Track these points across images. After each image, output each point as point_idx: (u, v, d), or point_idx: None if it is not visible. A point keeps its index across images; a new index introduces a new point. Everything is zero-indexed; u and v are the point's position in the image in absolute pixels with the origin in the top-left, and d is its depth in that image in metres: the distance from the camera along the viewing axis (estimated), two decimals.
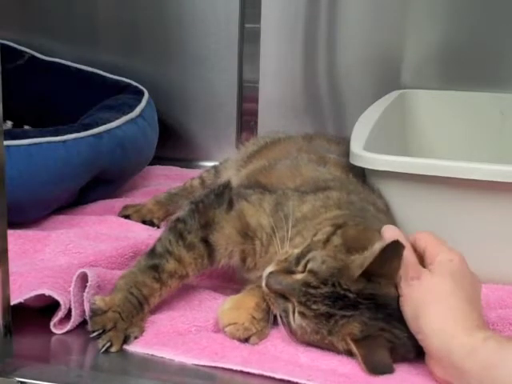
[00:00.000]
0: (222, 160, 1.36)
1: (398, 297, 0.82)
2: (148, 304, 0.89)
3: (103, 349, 0.83)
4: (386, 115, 1.27)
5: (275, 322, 0.88)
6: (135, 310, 0.87)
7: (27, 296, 0.87)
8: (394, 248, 0.81)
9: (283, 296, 0.85)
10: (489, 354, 0.73)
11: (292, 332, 0.85)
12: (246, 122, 1.61)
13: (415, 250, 0.85)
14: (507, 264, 1.02)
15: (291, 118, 1.55)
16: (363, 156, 1.02)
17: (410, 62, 1.51)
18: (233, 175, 1.22)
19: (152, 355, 0.84)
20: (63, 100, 1.55)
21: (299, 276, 0.84)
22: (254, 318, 0.87)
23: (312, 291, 0.82)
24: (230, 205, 0.97)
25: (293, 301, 0.84)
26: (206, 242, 0.94)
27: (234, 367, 0.80)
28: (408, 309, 0.81)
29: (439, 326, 0.77)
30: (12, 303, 0.81)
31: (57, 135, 1.18)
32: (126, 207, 1.27)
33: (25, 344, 0.85)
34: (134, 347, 0.85)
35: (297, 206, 0.95)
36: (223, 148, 1.54)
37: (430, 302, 0.79)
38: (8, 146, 1.08)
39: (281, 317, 0.86)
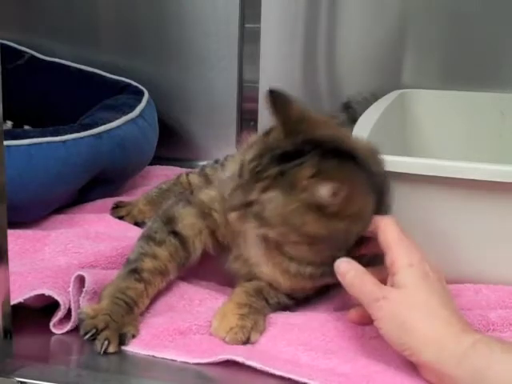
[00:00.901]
0: (227, 155, 1.36)
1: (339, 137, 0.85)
2: (137, 305, 0.89)
3: (102, 348, 0.83)
4: (386, 115, 1.26)
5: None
6: (124, 311, 0.87)
7: (27, 296, 0.87)
8: (276, 97, 0.85)
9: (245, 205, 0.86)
10: (479, 359, 0.73)
11: (269, 230, 0.86)
12: (246, 121, 1.60)
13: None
14: (507, 264, 1.01)
15: None
16: None
17: (410, 62, 1.51)
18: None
19: (153, 356, 0.84)
20: (63, 100, 1.55)
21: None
22: (241, 315, 0.88)
23: (258, 168, 0.84)
24: (189, 201, 1.00)
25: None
26: (174, 233, 0.96)
27: (236, 358, 0.80)
28: (387, 329, 0.79)
29: (425, 340, 0.76)
30: (12, 303, 0.81)
31: (57, 135, 1.18)
32: (117, 208, 1.25)
33: (25, 344, 0.85)
34: (134, 348, 0.85)
35: None
36: (223, 148, 1.54)
37: (408, 318, 0.77)
38: (8, 146, 1.08)
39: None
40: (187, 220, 0.97)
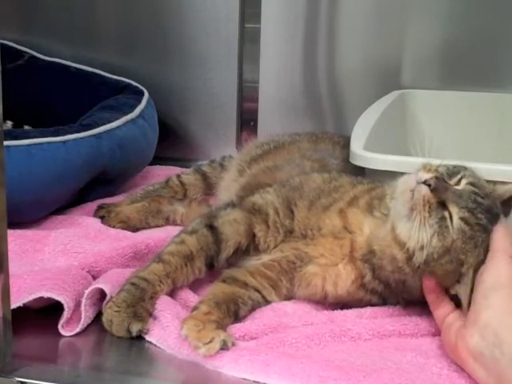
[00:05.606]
0: (223, 156, 1.36)
1: None
2: (153, 286, 0.88)
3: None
4: (386, 115, 1.27)
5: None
6: (133, 296, 0.87)
7: (26, 300, 0.86)
8: None
9: (442, 204, 0.85)
10: None
11: (444, 237, 0.84)
12: (246, 121, 1.61)
13: None
14: None
15: (291, 118, 1.55)
16: (363, 156, 1.03)
17: (410, 62, 1.51)
18: (232, 180, 1.22)
19: (152, 354, 0.84)
20: (63, 100, 1.55)
21: (461, 186, 0.87)
22: (216, 322, 0.85)
23: (480, 200, 0.85)
24: (235, 205, 1.00)
25: (451, 209, 0.84)
26: (210, 227, 0.96)
27: (227, 372, 0.80)
28: None
29: None
30: (11, 307, 0.81)
31: (57, 135, 1.18)
32: (100, 208, 1.23)
33: (25, 344, 0.85)
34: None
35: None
36: (223, 148, 1.54)
37: None
38: (8, 146, 1.08)
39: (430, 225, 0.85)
40: (229, 216, 0.97)
